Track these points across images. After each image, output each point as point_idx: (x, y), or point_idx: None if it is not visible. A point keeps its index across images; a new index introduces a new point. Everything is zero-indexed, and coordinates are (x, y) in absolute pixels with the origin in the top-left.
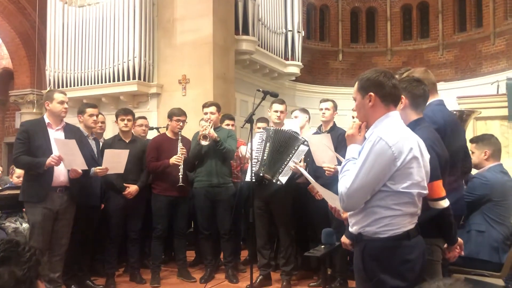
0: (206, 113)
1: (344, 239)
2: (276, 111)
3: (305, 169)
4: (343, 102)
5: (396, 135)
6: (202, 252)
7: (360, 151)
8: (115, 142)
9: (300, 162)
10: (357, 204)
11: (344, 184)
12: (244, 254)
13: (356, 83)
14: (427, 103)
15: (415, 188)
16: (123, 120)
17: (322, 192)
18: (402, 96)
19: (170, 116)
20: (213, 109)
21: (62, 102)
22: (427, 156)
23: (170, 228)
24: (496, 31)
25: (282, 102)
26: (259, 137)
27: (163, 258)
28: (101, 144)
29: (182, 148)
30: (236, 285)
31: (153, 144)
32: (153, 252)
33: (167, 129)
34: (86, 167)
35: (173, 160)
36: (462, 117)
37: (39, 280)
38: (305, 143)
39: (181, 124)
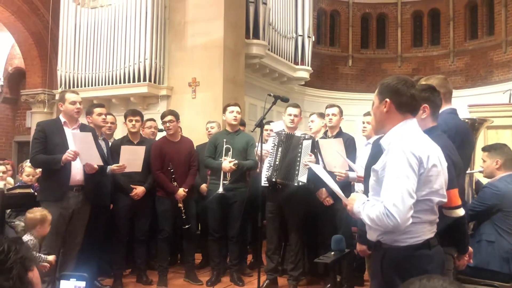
0: (232, 112)
1: (359, 246)
2: (290, 115)
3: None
4: (352, 107)
5: (415, 143)
6: (210, 255)
7: (381, 167)
8: (124, 143)
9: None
10: (410, 212)
11: (383, 204)
12: (250, 258)
13: (378, 87)
14: (440, 111)
15: (434, 196)
16: (131, 121)
17: (335, 187)
18: (427, 105)
19: (161, 119)
20: (238, 108)
21: (73, 103)
22: (445, 164)
23: (175, 229)
24: (508, 40)
25: (296, 106)
26: (272, 141)
27: (169, 259)
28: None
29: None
30: None
31: (156, 151)
32: (160, 254)
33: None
34: (101, 163)
35: (179, 196)
36: (474, 125)
37: (30, 271)
38: (306, 137)
39: (167, 125)
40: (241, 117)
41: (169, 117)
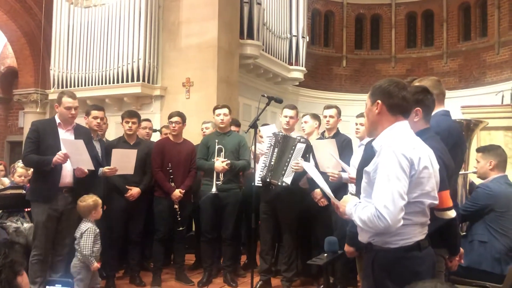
0: (219, 114)
1: (347, 247)
2: (286, 116)
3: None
4: (346, 108)
5: (406, 145)
6: (202, 256)
7: (373, 169)
8: (120, 144)
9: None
10: (401, 214)
11: (374, 206)
12: (244, 258)
13: (370, 89)
14: (433, 113)
15: (426, 198)
16: (127, 122)
17: (325, 187)
18: (419, 109)
19: (168, 118)
20: (226, 110)
21: (69, 108)
22: (436, 166)
23: (170, 230)
24: (501, 41)
25: (293, 107)
26: (268, 142)
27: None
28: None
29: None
30: None
31: (157, 149)
32: (155, 254)
33: (160, 133)
34: (93, 167)
35: (175, 196)
36: (469, 126)
37: (19, 275)
38: (302, 140)
39: (173, 125)
40: (231, 118)
41: (176, 118)
